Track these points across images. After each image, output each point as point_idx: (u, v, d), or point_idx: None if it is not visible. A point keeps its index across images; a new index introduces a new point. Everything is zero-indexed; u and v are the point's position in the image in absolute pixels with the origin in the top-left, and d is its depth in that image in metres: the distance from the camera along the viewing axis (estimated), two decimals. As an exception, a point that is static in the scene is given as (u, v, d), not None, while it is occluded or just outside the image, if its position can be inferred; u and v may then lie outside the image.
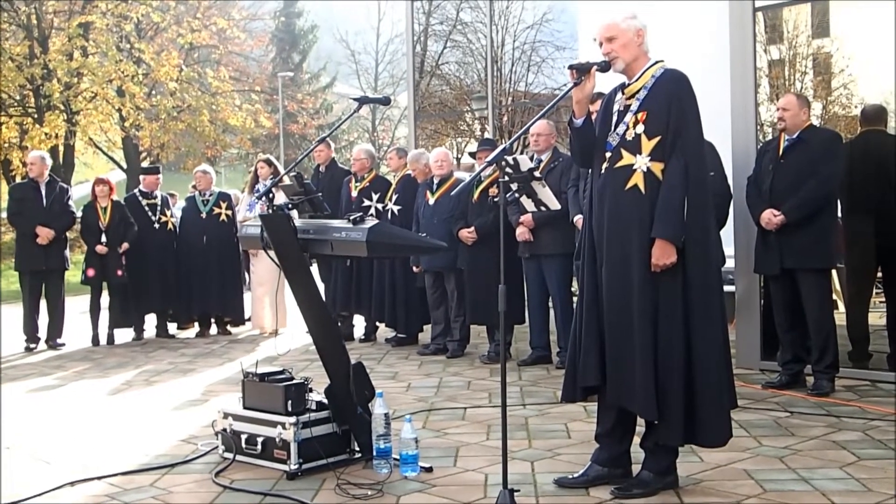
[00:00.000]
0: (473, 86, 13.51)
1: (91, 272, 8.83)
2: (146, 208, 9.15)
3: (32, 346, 8.65)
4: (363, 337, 8.64)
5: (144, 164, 23.88)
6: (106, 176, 9.74)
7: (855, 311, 6.20)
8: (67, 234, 9.00)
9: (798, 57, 7.38)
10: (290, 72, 39.38)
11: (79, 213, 9.36)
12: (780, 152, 5.70)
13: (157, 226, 9.14)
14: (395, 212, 8.06)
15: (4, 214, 26.97)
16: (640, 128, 3.60)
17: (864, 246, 6.09)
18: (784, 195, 5.60)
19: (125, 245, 8.78)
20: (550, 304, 7.04)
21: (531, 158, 6.80)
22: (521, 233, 6.73)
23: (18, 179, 24.04)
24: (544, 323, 7.07)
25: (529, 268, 6.93)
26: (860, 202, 6.02)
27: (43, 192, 8.71)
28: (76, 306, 10.14)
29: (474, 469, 4.15)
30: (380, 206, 8.20)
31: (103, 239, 8.75)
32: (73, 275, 9.63)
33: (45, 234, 8.51)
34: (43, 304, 8.82)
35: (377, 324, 8.63)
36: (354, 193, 8.36)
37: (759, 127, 6.62)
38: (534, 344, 7.06)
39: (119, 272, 8.79)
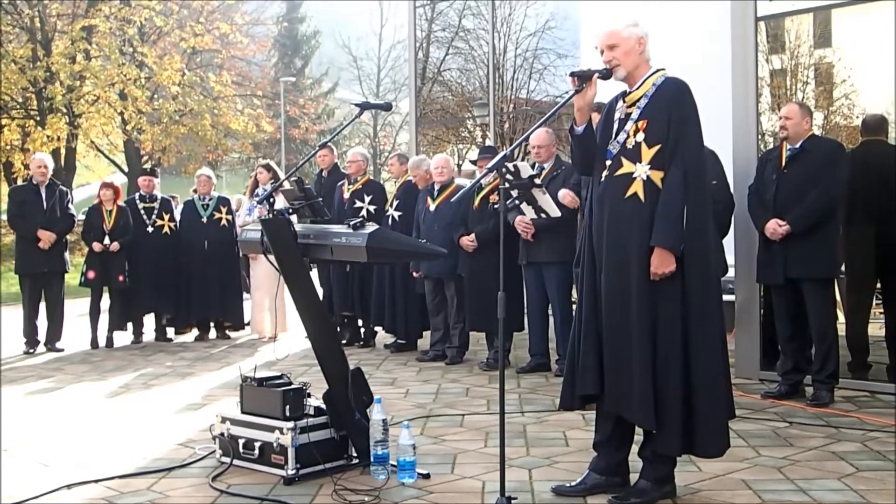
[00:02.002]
0: (475, 92, 13.52)
1: (91, 274, 8.83)
2: (142, 212, 9.14)
3: (31, 350, 8.63)
4: (361, 342, 8.63)
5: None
6: (111, 180, 9.74)
7: (855, 322, 6.18)
8: (67, 236, 8.99)
9: (800, 67, 7.38)
10: (292, 77, 39.44)
11: (80, 216, 9.36)
12: (783, 162, 5.70)
13: (150, 229, 9.12)
14: (396, 217, 8.06)
15: (4, 217, 26.92)
16: (641, 136, 3.60)
17: (864, 256, 6.07)
18: (788, 205, 5.59)
19: (115, 245, 8.75)
20: (550, 311, 7.03)
21: (532, 166, 6.80)
22: (520, 222, 6.59)
23: (20, 182, 24.07)
24: (543, 330, 7.06)
25: (529, 275, 6.93)
26: (860, 212, 6.01)
27: (43, 196, 8.70)
28: (74, 309, 10.13)
29: (472, 476, 4.15)
30: (372, 208, 8.21)
31: (106, 241, 8.76)
32: (72, 277, 9.62)
33: (46, 238, 8.51)
34: (42, 306, 8.80)
35: (374, 329, 8.62)
36: (347, 196, 8.38)
37: (760, 136, 6.62)
38: (533, 351, 7.06)
39: (121, 277, 8.79)
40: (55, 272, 8.73)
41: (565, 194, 6.42)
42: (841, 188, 5.60)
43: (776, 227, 5.60)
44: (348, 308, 8.46)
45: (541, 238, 6.68)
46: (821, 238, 5.55)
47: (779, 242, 5.62)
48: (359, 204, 8.24)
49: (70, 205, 8.92)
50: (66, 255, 8.95)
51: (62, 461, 4.58)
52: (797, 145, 5.65)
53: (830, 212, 5.59)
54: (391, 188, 8.61)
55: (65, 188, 9.10)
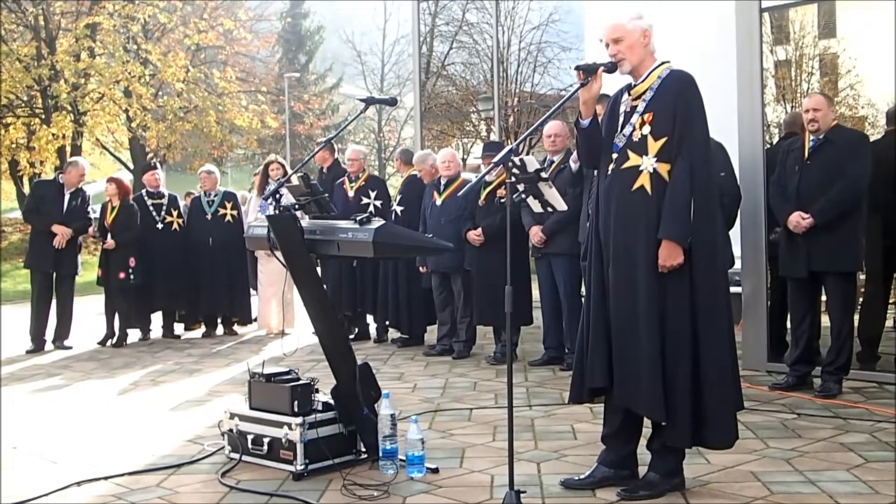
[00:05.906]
0: (479, 86, 13.52)
1: (100, 272, 8.85)
2: (151, 208, 9.14)
3: (35, 349, 8.54)
4: (376, 338, 8.59)
5: (152, 166, 23.95)
6: (118, 175, 9.71)
7: (869, 313, 6.11)
8: (80, 237, 8.96)
9: (804, 58, 7.37)
10: (296, 72, 39.40)
11: (95, 215, 9.34)
12: (806, 153, 5.58)
13: (160, 226, 9.12)
14: (399, 213, 8.06)
15: (11, 214, 26.86)
16: (647, 129, 3.60)
17: (883, 248, 5.99)
18: (811, 197, 5.48)
19: (110, 242, 8.70)
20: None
21: (543, 161, 6.80)
22: (535, 235, 6.71)
23: (26, 180, 24.11)
24: (556, 323, 7.04)
25: (541, 268, 6.92)
26: (875, 204, 5.95)
27: (66, 197, 8.68)
28: (81, 307, 10.13)
29: (480, 470, 4.15)
30: (378, 203, 8.24)
31: (108, 237, 8.77)
32: (81, 276, 9.63)
33: (62, 233, 8.44)
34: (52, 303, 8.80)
35: (386, 325, 8.60)
36: (351, 193, 8.39)
37: (765, 128, 6.60)
38: (547, 344, 7.05)
39: (121, 275, 8.74)
40: (66, 273, 8.70)
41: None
42: (865, 180, 5.46)
43: (799, 220, 5.48)
44: (350, 307, 8.46)
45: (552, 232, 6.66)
46: (845, 231, 5.43)
47: (802, 235, 5.50)
48: (365, 200, 8.26)
49: (89, 208, 8.90)
50: (79, 257, 8.93)
51: (71, 458, 4.60)
52: (820, 136, 5.53)
53: (855, 204, 5.45)
54: (397, 183, 8.63)
55: (88, 194, 9.07)
